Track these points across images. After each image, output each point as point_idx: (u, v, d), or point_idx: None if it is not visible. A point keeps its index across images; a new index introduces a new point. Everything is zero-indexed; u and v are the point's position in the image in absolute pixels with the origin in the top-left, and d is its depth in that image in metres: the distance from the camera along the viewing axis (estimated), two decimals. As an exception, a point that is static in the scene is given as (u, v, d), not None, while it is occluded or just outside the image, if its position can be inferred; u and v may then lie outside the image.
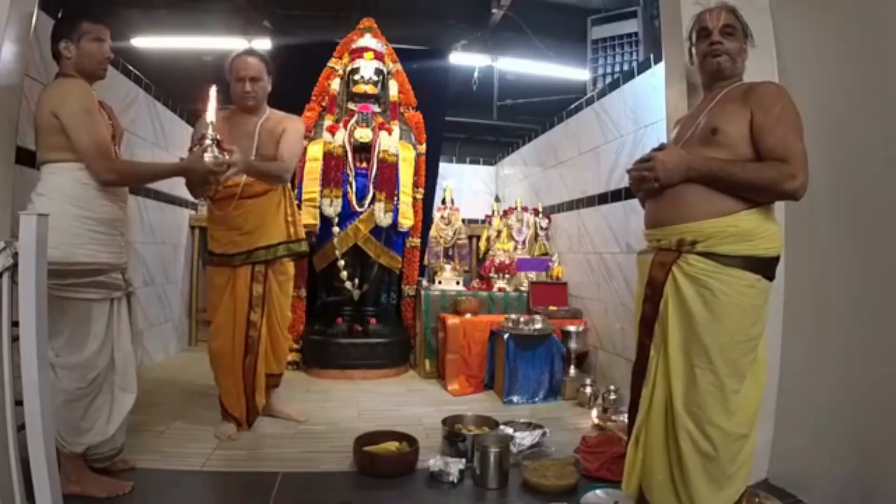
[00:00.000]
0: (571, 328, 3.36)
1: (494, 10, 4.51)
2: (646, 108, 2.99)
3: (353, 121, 3.71)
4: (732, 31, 1.57)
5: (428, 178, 4.14)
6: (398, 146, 3.79)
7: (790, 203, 1.92)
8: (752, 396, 1.46)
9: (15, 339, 1.40)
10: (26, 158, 1.93)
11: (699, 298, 1.42)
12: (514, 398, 3.13)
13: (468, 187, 5.48)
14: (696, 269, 1.43)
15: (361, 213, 3.67)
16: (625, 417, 2.10)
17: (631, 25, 4.20)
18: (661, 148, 1.55)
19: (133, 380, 1.96)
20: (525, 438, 2.27)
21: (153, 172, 2.37)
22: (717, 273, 1.41)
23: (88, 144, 1.75)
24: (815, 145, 1.84)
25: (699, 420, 1.41)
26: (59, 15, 2.10)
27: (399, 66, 4.03)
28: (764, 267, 1.45)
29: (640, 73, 3.11)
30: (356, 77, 3.78)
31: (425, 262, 4.26)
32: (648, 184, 1.51)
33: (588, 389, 3.06)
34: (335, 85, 3.87)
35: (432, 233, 4.33)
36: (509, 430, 2.34)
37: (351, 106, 3.82)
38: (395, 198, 3.76)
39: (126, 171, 1.94)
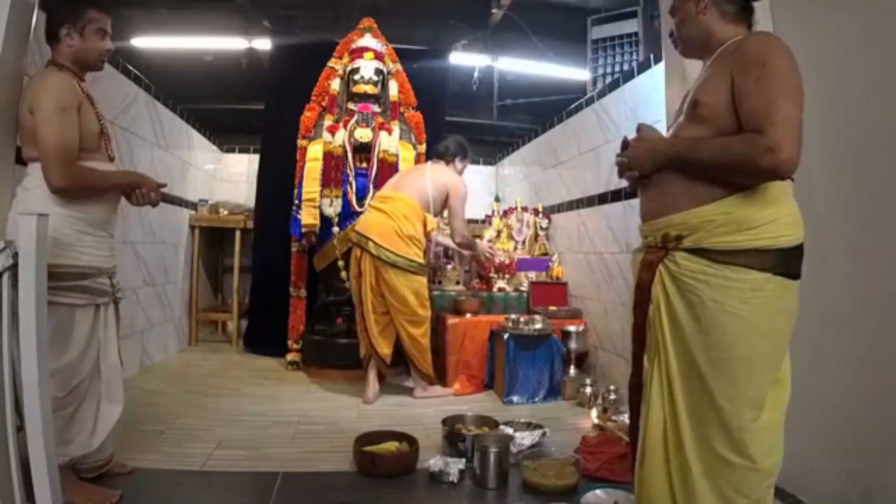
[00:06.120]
0: (571, 328, 3.35)
1: (494, 10, 4.51)
2: (646, 108, 2.98)
3: (353, 121, 3.71)
4: (674, 11, 1.43)
5: (428, 178, 4.13)
6: (398, 146, 3.79)
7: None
8: (770, 425, 1.24)
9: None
10: (26, 158, 1.92)
11: (685, 305, 1.22)
12: (514, 398, 3.13)
13: (468, 187, 5.46)
14: (682, 269, 1.22)
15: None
16: (625, 417, 2.10)
17: (631, 25, 4.20)
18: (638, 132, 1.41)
19: (120, 391, 1.88)
20: (525, 438, 2.27)
21: (112, 183, 1.86)
22: (707, 276, 1.19)
23: (50, 145, 1.64)
24: (816, 143, 1.84)
25: (700, 443, 1.23)
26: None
27: (399, 66, 4.02)
28: (777, 261, 1.18)
29: (640, 73, 3.11)
30: (356, 77, 3.77)
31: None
32: (631, 173, 1.35)
33: (588, 389, 3.06)
34: (335, 85, 3.86)
35: (432, 233, 4.32)
36: (509, 430, 2.34)
37: (351, 106, 3.81)
38: (395, 198, 3.76)
39: (84, 181, 1.73)
